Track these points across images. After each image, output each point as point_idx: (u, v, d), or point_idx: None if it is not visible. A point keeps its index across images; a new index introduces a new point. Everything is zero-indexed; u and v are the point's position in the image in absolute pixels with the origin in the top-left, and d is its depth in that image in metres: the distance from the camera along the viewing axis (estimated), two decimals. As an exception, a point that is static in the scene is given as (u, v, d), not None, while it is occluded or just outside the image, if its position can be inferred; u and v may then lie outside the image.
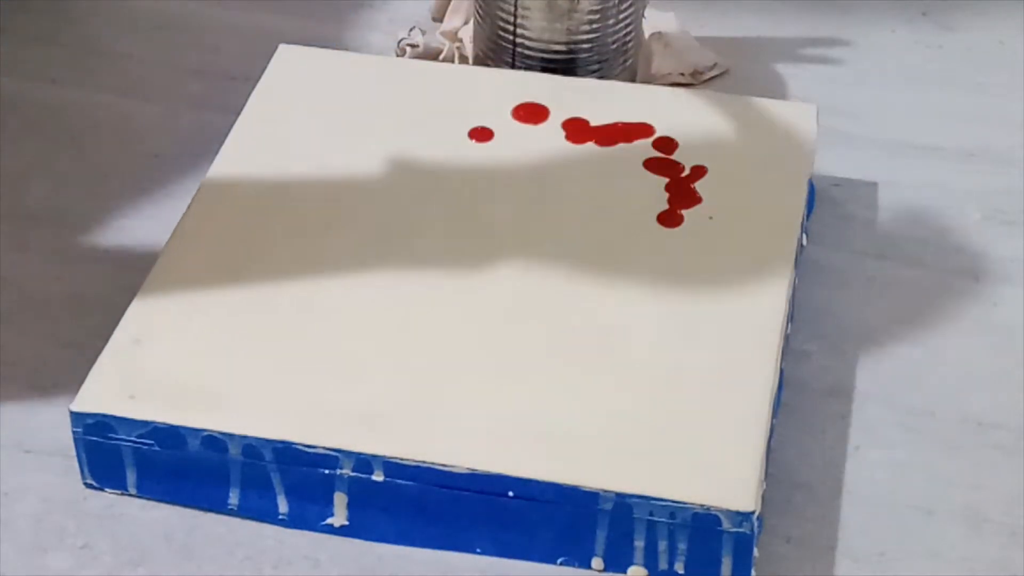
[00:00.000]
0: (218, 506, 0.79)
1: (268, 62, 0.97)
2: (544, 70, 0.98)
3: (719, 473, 0.75)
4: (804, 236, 0.90)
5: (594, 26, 0.97)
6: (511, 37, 0.98)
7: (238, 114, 0.94)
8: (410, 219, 0.87)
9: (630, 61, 1.00)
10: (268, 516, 0.78)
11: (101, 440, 0.78)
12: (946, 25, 1.11)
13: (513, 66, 0.99)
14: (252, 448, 0.77)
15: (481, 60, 1.01)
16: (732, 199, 0.88)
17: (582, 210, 0.88)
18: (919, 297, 0.90)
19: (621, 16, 0.98)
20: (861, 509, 0.79)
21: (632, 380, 0.79)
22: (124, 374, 0.79)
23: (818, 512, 0.79)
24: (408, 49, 1.05)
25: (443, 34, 1.06)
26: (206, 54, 1.07)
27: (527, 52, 0.98)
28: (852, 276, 0.91)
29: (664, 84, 1.03)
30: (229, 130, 0.93)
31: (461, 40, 1.05)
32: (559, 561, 0.77)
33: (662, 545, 0.75)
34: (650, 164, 0.90)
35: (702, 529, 0.74)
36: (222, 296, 0.83)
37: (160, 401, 0.78)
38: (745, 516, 0.74)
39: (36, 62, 1.06)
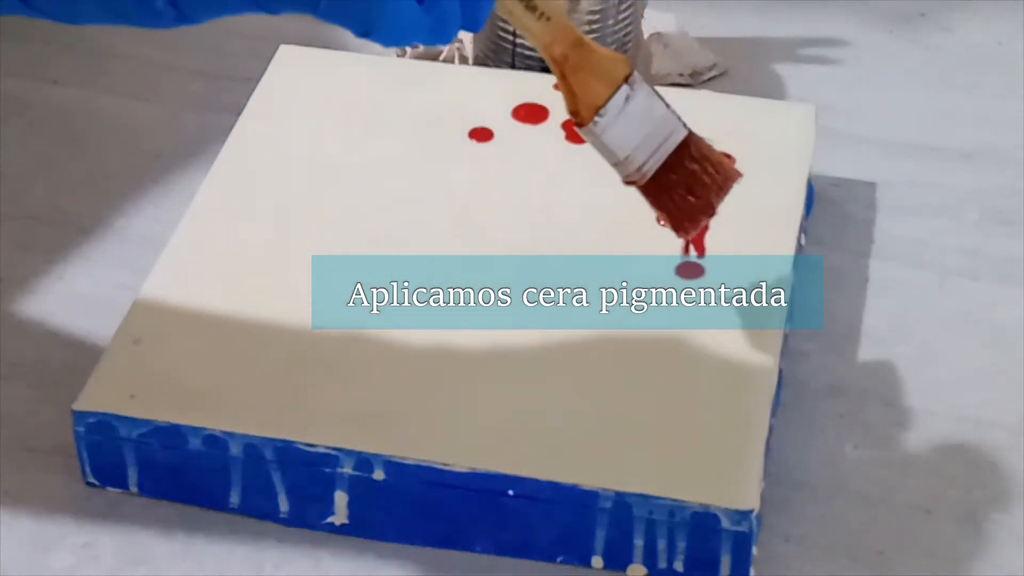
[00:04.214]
0: (219, 505, 0.79)
1: (269, 63, 0.98)
2: (544, 70, 0.97)
3: (718, 472, 0.75)
4: (803, 236, 0.90)
5: (594, 26, 0.98)
6: (511, 37, 0.98)
7: (239, 114, 0.94)
8: (410, 219, 0.88)
9: (629, 61, 1.00)
10: (269, 515, 0.79)
11: (103, 439, 0.78)
12: (944, 26, 1.11)
13: (513, 66, 0.99)
14: (253, 447, 0.77)
15: (481, 60, 1.01)
16: (731, 199, 0.88)
17: (582, 210, 0.88)
18: (917, 297, 0.90)
19: (620, 16, 0.98)
20: (860, 508, 0.79)
21: (632, 380, 0.79)
22: (125, 374, 0.80)
23: (817, 511, 0.79)
24: (408, 50, 1.05)
25: (443, 34, 1.06)
26: (207, 55, 1.07)
27: (527, 52, 0.98)
28: (850, 276, 0.91)
29: (663, 85, 1.03)
30: (230, 130, 0.93)
31: (461, 40, 1.05)
32: (559, 560, 0.77)
33: (661, 544, 0.75)
34: (650, 164, 0.91)
35: (701, 528, 0.74)
36: (222, 296, 0.83)
37: (161, 400, 0.78)
38: (744, 515, 0.74)
39: (38, 63, 1.07)
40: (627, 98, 0.74)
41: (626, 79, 0.74)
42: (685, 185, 0.76)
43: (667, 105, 0.75)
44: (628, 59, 0.75)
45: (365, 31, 0.67)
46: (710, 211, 0.77)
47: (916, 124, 1.02)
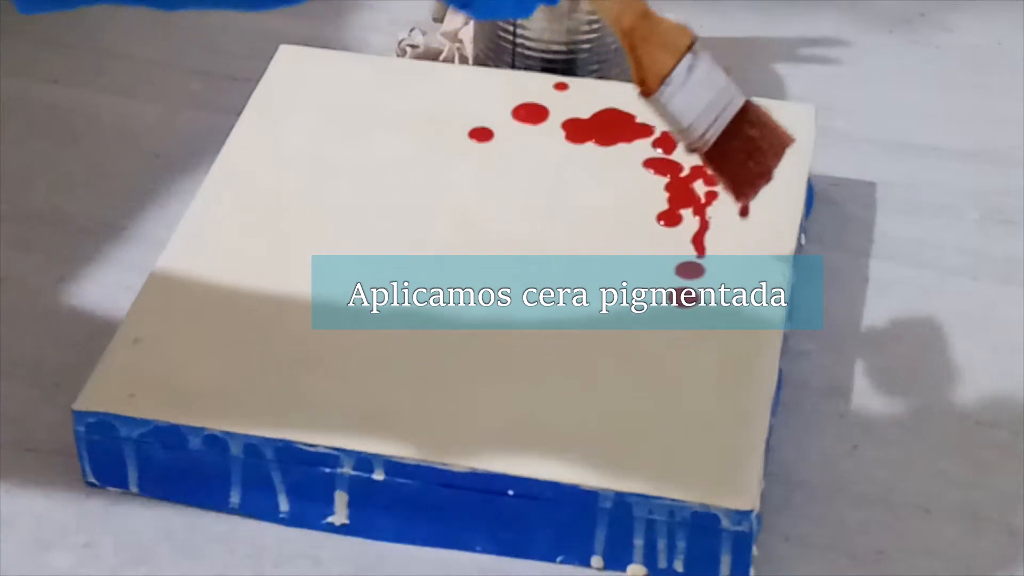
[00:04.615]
0: (219, 505, 0.79)
1: (269, 62, 0.98)
2: (544, 70, 0.98)
3: (718, 472, 0.75)
4: (803, 236, 0.90)
5: (594, 26, 0.98)
6: (511, 37, 0.98)
7: (239, 114, 0.94)
8: (410, 219, 0.88)
9: (630, 61, 1.00)
10: (269, 515, 0.79)
11: (103, 439, 0.78)
12: (944, 26, 1.11)
13: (513, 66, 0.99)
14: (253, 447, 0.77)
15: (481, 60, 1.01)
16: (731, 199, 0.88)
17: (582, 210, 0.88)
18: (917, 297, 0.90)
19: (621, 17, 0.98)
20: (859, 508, 0.80)
21: (632, 380, 0.79)
22: (125, 373, 0.80)
23: (817, 511, 0.79)
24: (408, 50, 1.05)
25: (443, 35, 1.06)
26: (207, 54, 1.07)
27: (527, 52, 0.98)
28: (850, 276, 0.92)
29: (663, 84, 1.03)
30: (230, 130, 0.93)
31: (461, 40, 1.05)
32: (559, 560, 0.77)
33: (661, 544, 0.75)
34: (650, 164, 0.91)
35: (701, 528, 0.74)
36: (222, 296, 0.83)
37: (161, 400, 0.78)
38: (744, 515, 0.74)
39: (38, 62, 1.07)
40: (690, 67, 0.76)
41: (689, 48, 0.76)
42: (745, 151, 0.78)
43: (727, 73, 0.77)
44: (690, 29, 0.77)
45: (464, 3, 0.72)
46: (768, 176, 0.78)
47: (916, 124, 1.02)
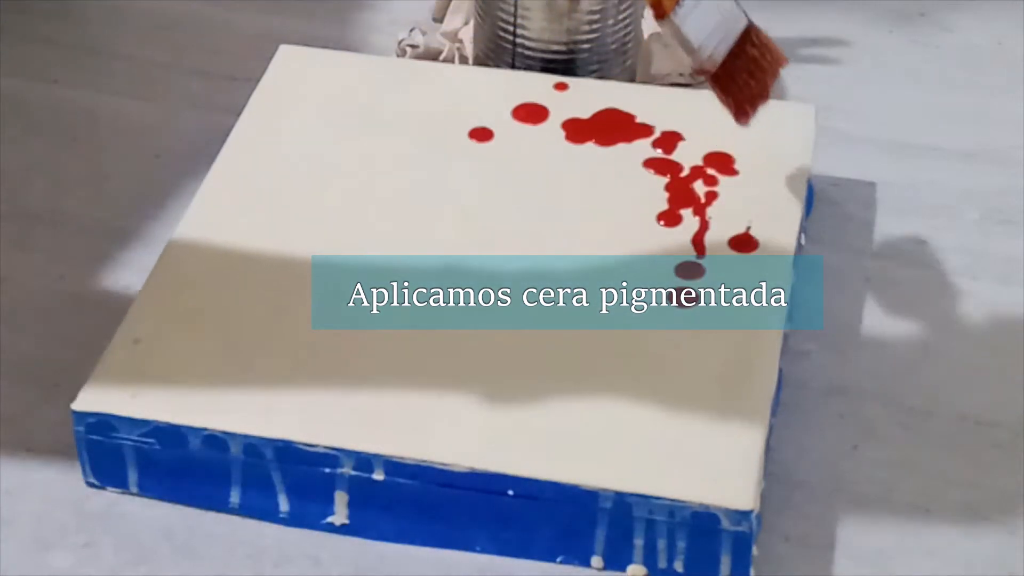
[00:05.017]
0: (219, 505, 0.79)
1: (269, 63, 0.98)
2: (544, 70, 0.98)
3: (718, 472, 0.75)
4: (803, 236, 0.90)
5: (594, 26, 0.98)
6: (511, 37, 0.98)
7: (239, 114, 0.94)
8: (410, 219, 0.88)
9: (629, 61, 1.00)
10: (269, 515, 0.79)
11: (103, 439, 0.78)
12: (944, 25, 1.11)
13: (513, 66, 0.99)
14: (253, 447, 0.77)
15: (481, 60, 1.01)
16: (731, 199, 0.89)
17: (582, 210, 0.88)
18: (917, 297, 0.90)
19: (621, 16, 0.98)
20: (859, 507, 0.80)
21: (632, 379, 0.79)
22: (125, 373, 0.80)
23: (817, 510, 0.79)
24: (408, 49, 1.05)
25: (443, 35, 1.06)
26: (207, 54, 1.07)
27: (527, 52, 0.98)
28: (850, 276, 0.92)
29: (663, 84, 1.03)
30: (230, 130, 0.93)
31: (461, 40, 1.05)
32: (559, 560, 0.77)
33: (661, 544, 0.75)
34: (650, 164, 0.91)
35: (701, 528, 0.74)
36: (222, 296, 0.83)
37: (161, 400, 0.78)
38: (744, 515, 0.74)
39: (37, 62, 1.07)
40: None
41: None
42: (748, 70, 0.83)
43: None
44: None
45: None
46: (766, 95, 0.84)
47: (916, 124, 1.02)
